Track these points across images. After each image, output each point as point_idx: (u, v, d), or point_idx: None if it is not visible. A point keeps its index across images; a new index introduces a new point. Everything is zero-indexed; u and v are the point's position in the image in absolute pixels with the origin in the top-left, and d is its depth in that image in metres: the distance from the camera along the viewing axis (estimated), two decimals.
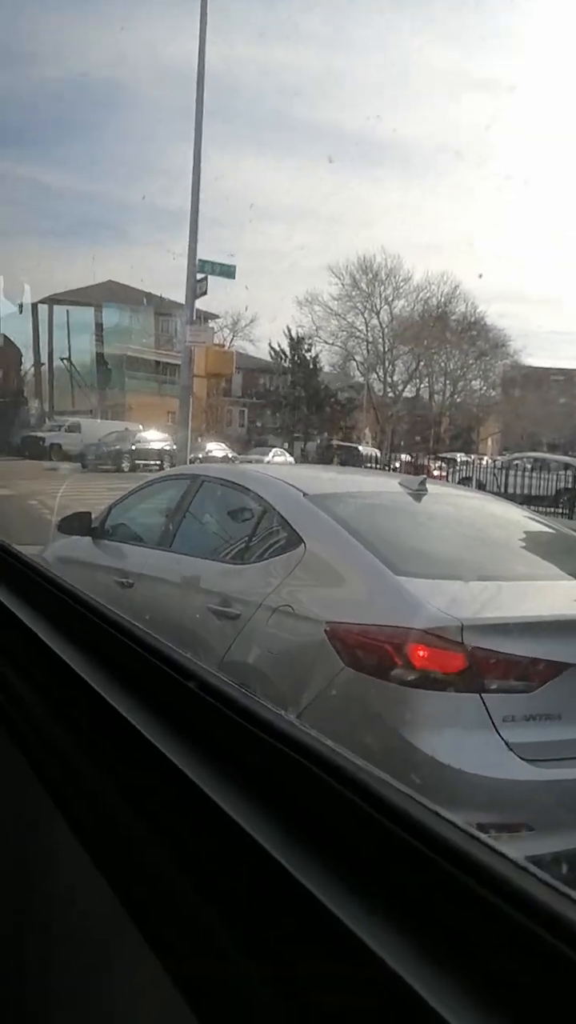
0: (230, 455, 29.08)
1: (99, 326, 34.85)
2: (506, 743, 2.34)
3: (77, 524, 4.37)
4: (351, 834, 0.54)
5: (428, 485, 3.48)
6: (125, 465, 25.48)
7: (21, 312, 32.69)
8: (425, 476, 3.66)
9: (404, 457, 25.92)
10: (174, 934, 0.59)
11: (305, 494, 3.20)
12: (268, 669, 2.79)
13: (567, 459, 21.45)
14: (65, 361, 36.33)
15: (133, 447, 26.66)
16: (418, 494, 3.41)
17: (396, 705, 2.40)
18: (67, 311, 35.27)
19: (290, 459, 32.16)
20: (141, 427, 28.27)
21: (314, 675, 2.60)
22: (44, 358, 37.29)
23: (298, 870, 0.51)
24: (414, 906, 0.48)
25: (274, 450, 33.02)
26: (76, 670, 0.87)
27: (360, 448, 31.26)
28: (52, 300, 36.14)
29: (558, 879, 0.47)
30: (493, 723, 2.34)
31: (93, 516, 4.43)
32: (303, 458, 32.69)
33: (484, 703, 2.35)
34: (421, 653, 2.39)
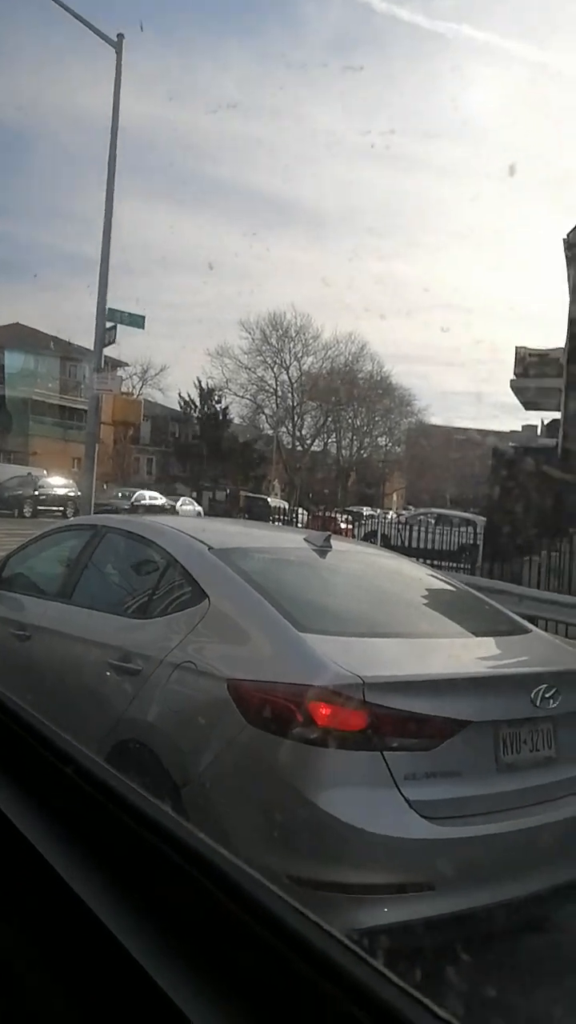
0: (167, 503, 28.68)
1: (2, 368, 34.11)
2: (407, 801, 2.33)
3: None
4: (204, 925, 0.52)
5: (333, 541, 3.51)
6: (27, 510, 24.83)
7: None
8: (330, 533, 3.69)
9: (310, 509, 26.21)
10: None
11: (210, 548, 3.17)
12: (170, 727, 2.72)
13: (468, 515, 22.17)
14: None
15: (36, 492, 26.04)
16: (323, 550, 3.43)
17: (297, 763, 2.37)
18: None
19: (198, 508, 32.04)
20: (45, 472, 27.66)
21: (216, 733, 2.55)
22: None
23: (141, 953, 0.49)
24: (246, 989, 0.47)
25: (182, 499, 32.84)
26: None
27: (269, 499, 31.46)
28: None
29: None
30: (395, 781, 2.34)
31: None
32: (212, 508, 32.59)
33: (386, 761, 2.34)
34: (323, 711, 2.38)
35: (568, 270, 17.38)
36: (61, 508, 24.90)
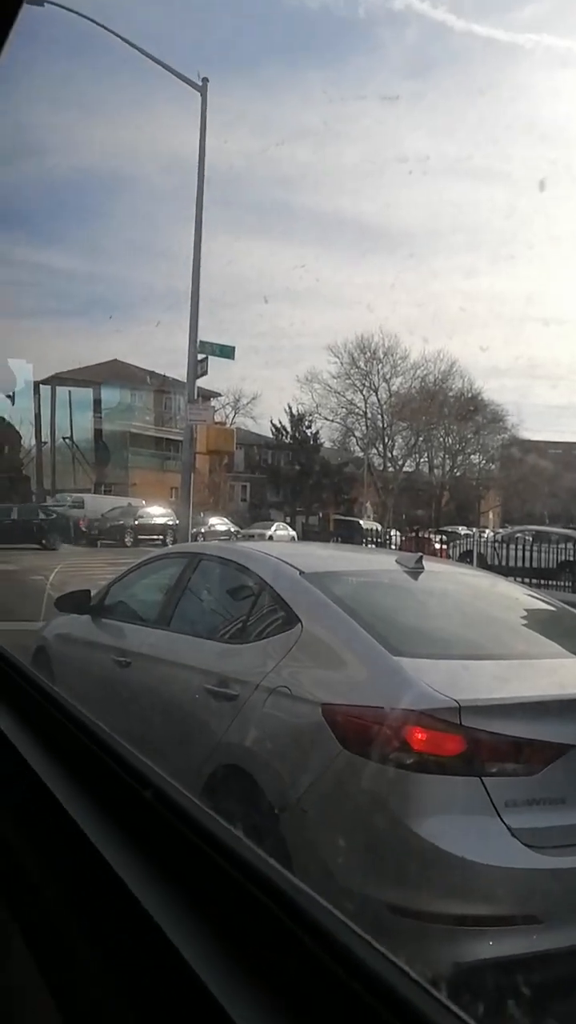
0: (232, 529, 29.20)
1: (101, 404, 35.48)
2: (509, 829, 2.27)
3: (75, 602, 4.37)
4: (292, 973, 0.53)
5: (425, 562, 3.48)
6: (128, 540, 25.59)
7: (33, 391, 33.39)
8: (422, 554, 3.66)
9: (403, 530, 25.96)
10: None
11: (302, 572, 3.20)
12: (266, 752, 2.74)
13: (567, 531, 21.47)
14: (67, 440, 36.81)
15: (136, 522, 26.83)
16: (415, 572, 3.40)
17: (394, 789, 2.34)
18: (69, 391, 35.95)
19: (292, 533, 32.25)
20: (144, 502, 28.48)
21: (311, 758, 2.55)
22: (47, 436, 37.82)
23: (229, 1000, 0.50)
24: None
25: (276, 524, 33.14)
26: (36, 770, 0.86)
27: (361, 522, 31.34)
28: (56, 379, 36.89)
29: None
30: (495, 808, 2.28)
31: (92, 593, 4.43)
32: (305, 532, 32.73)
33: (485, 787, 2.29)
34: (419, 735, 2.35)
35: None
36: (160, 536, 25.55)
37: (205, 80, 14.44)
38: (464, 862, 2.23)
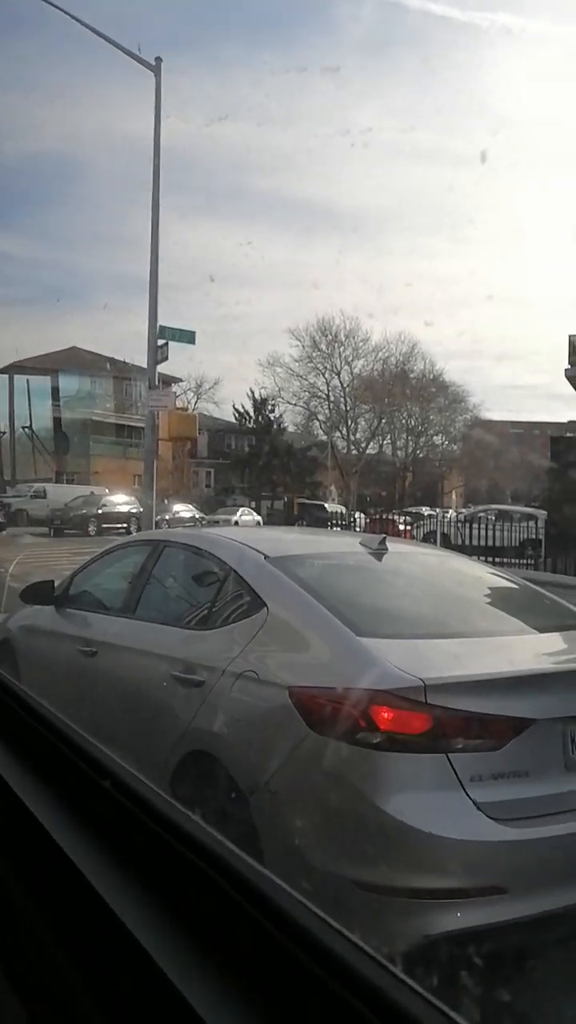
0: (197, 515, 29.10)
1: (59, 392, 34.97)
2: (475, 803, 2.31)
3: (39, 593, 4.33)
4: (237, 937, 0.53)
5: (389, 543, 3.51)
6: (92, 529, 25.36)
7: None
8: (385, 535, 3.68)
9: (368, 513, 26.09)
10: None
11: (266, 557, 3.20)
12: (234, 736, 2.75)
13: (529, 510, 21.78)
14: (27, 429, 36.26)
15: (99, 511, 26.59)
16: (379, 553, 3.43)
17: (362, 768, 2.37)
18: (27, 380, 35.35)
19: (257, 518, 32.22)
20: (107, 491, 28.23)
21: (279, 741, 2.57)
22: (5, 427, 37.23)
23: (181, 979, 0.50)
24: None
25: (241, 509, 33.09)
26: None
27: (326, 505, 31.43)
28: (14, 367, 36.27)
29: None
30: (461, 783, 2.32)
31: (56, 584, 4.39)
32: (270, 517, 32.76)
33: (450, 763, 2.33)
34: (384, 715, 2.37)
35: None
36: (124, 525, 25.37)
37: (159, 60, 14.20)
38: (431, 837, 2.27)
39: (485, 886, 2.28)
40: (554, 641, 3.17)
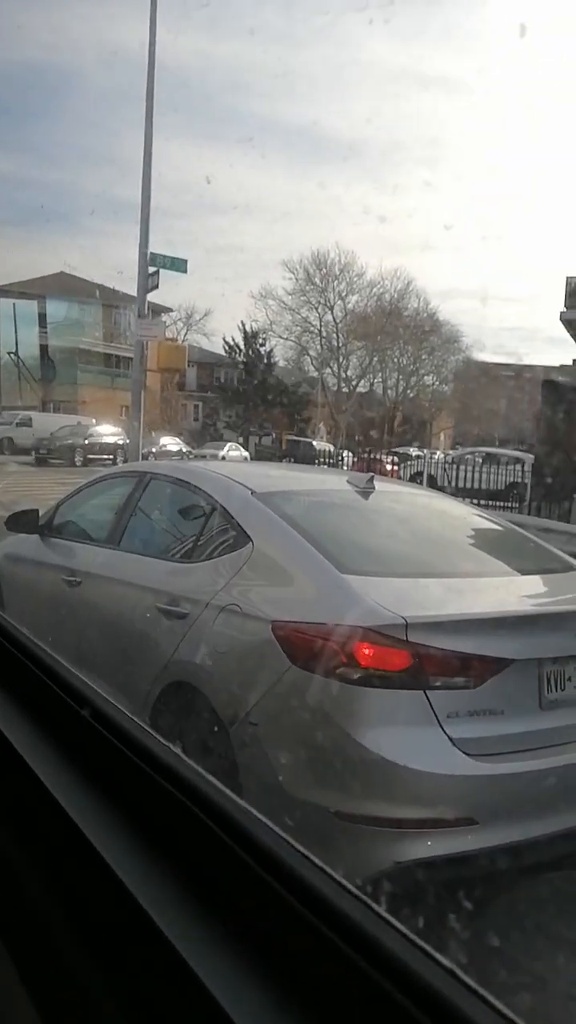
0: (184, 449, 28.95)
1: (47, 318, 34.19)
2: (450, 739, 2.36)
3: (24, 521, 4.31)
4: (212, 866, 0.54)
5: (376, 483, 3.50)
6: (78, 459, 25.21)
7: None
8: (373, 474, 3.67)
9: (356, 451, 26.05)
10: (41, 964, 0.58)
11: (253, 492, 3.19)
12: (217, 668, 2.79)
13: (517, 453, 21.79)
14: (12, 355, 35.58)
15: (86, 441, 26.38)
16: (366, 492, 3.42)
17: (341, 703, 2.41)
18: (13, 304, 34.50)
19: (245, 454, 32.09)
20: (94, 421, 27.94)
21: (261, 674, 2.60)
22: None
23: (153, 904, 0.51)
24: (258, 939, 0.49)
25: (229, 444, 32.89)
26: None
27: (314, 443, 31.31)
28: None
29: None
30: (437, 719, 2.37)
31: (41, 513, 4.37)
32: (258, 453, 32.63)
33: (428, 700, 2.37)
34: (366, 651, 2.41)
35: None
36: (111, 456, 25.20)
37: None
38: (407, 770, 2.32)
39: (457, 817, 2.35)
40: (535, 583, 3.21)
